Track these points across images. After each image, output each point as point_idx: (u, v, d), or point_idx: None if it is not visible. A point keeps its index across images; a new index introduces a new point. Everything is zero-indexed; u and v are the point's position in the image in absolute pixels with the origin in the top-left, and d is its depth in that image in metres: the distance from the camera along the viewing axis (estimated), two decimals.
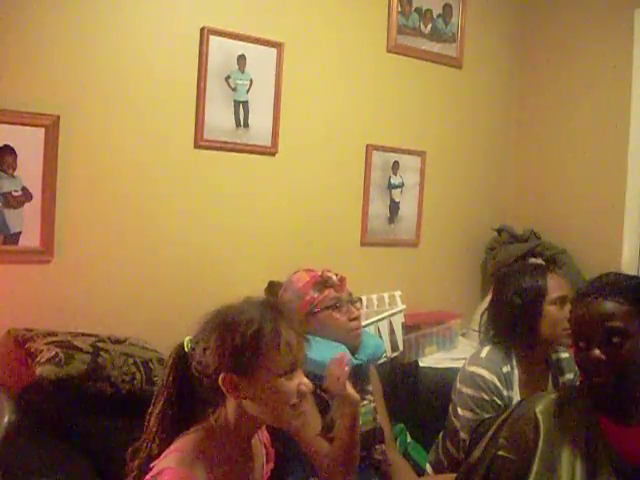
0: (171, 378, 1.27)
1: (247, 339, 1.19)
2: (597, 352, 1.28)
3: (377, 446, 1.91)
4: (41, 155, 2.00)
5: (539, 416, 1.34)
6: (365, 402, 1.92)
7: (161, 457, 1.20)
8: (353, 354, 1.88)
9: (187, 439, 1.22)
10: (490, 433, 1.42)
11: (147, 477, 1.18)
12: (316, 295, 1.88)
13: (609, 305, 1.30)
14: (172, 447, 1.21)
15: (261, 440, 1.40)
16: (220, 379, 1.19)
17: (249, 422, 1.25)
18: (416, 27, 2.84)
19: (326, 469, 1.61)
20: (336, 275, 1.93)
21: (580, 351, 1.33)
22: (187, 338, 1.29)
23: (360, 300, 2.11)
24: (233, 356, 1.19)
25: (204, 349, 1.22)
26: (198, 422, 1.27)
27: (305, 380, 1.25)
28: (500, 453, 1.35)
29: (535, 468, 1.29)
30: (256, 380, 1.20)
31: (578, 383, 1.47)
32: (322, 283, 1.90)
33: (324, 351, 1.72)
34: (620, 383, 1.29)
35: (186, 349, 1.27)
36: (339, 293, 1.91)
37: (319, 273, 1.93)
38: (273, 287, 2.03)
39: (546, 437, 1.31)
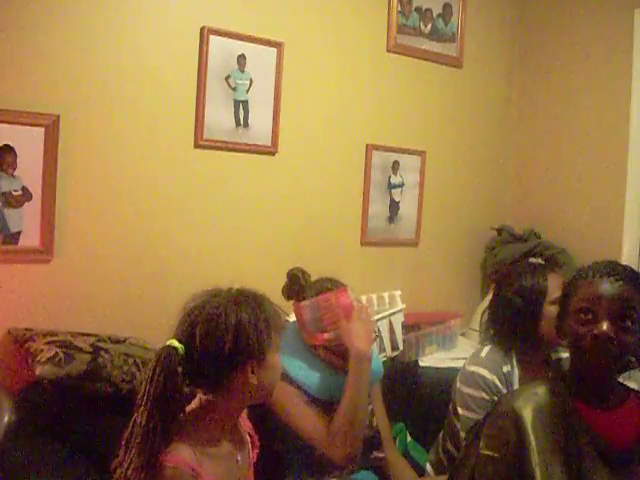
0: (167, 384, 1.24)
1: (267, 324, 1.32)
2: (606, 325, 1.29)
3: (374, 452, 1.92)
4: (41, 155, 2.00)
5: (518, 411, 1.34)
6: None
7: (163, 453, 1.23)
8: None
9: (182, 434, 1.27)
10: (475, 432, 1.44)
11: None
12: (335, 338, 1.79)
13: (627, 289, 1.33)
14: (170, 443, 1.25)
15: (243, 428, 1.45)
16: (247, 369, 1.29)
17: (241, 403, 1.36)
18: (416, 27, 2.84)
19: (329, 440, 1.69)
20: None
21: (582, 324, 1.32)
22: (175, 342, 1.28)
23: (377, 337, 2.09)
24: (262, 343, 1.31)
25: (234, 341, 1.27)
26: (183, 417, 1.31)
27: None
28: (483, 452, 1.36)
29: (536, 460, 1.29)
30: (267, 361, 1.33)
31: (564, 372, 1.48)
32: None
33: (323, 378, 1.78)
34: (616, 364, 1.32)
35: (180, 351, 1.26)
36: None
37: (349, 309, 1.78)
38: (296, 280, 1.85)
39: (534, 433, 1.31)
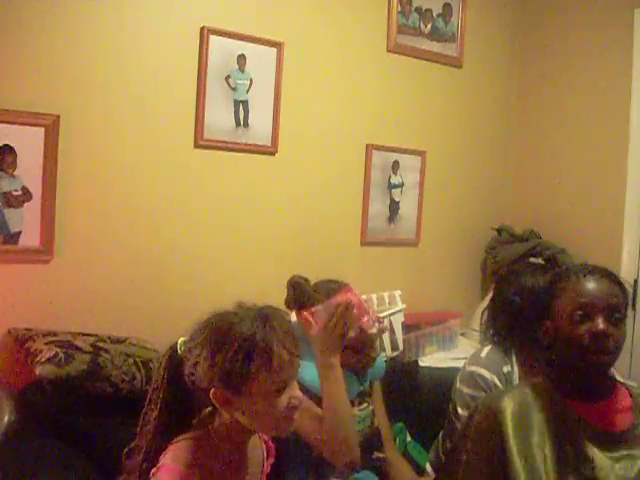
0: (166, 380, 1.28)
1: (237, 362, 1.17)
2: (602, 322, 1.32)
3: (375, 453, 1.92)
4: (41, 155, 2.00)
5: (501, 408, 1.36)
6: (364, 405, 1.92)
7: (161, 457, 1.22)
8: (358, 378, 1.89)
9: (183, 441, 1.24)
10: (462, 430, 1.46)
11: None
12: (351, 337, 1.76)
13: (612, 284, 1.38)
14: (170, 447, 1.23)
15: (260, 435, 1.40)
16: (211, 393, 1.19)
17: (242, 429, 1.26)
18: (416, 27, 2.84)
19: (326, 446, 1.63)
20: (380, 323, 1.82)
21: (578, 324, 1.35)
22: (181, 340, 1.29)
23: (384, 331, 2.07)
24: (223, 375, 1.18)
25: (195, 363, 1.21)
26: (195, 423, 1.28)
27: (296, 393, 1.25)
28: (468, 450, 1.38)
29: (515, 460, 1.31)
30: (246, 397, 1.20)
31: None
32: (364, 335, 1.79)
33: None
34: (613, 359, 1.35)
35: (180, 352, 1.27)
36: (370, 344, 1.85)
37: (361, 309, 1.75)
38: (301, 290, 1.82)
39: (515, 430, 1.33)
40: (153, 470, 1.20)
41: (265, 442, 1.42)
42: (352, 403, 1.87)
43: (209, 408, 1.28)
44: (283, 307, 1.77)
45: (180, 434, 1.26)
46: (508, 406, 1.36)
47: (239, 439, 1.29)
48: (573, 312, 1.36)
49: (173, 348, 1.29)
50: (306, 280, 1.83)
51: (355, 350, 1.80)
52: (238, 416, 1.22)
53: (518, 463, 1.30)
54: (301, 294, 1.79)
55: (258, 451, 1.39)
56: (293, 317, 1.91)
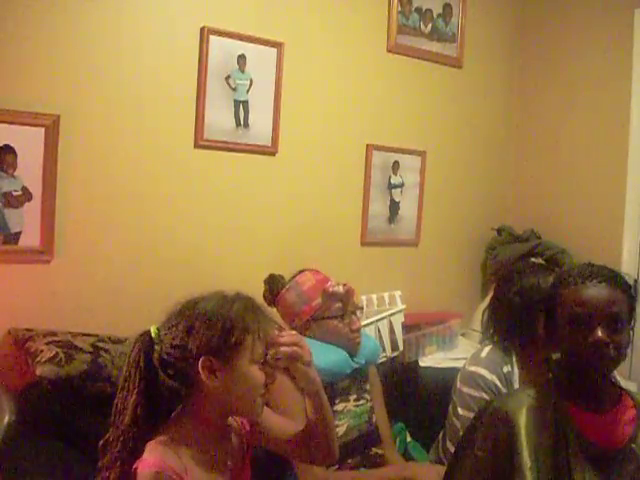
0: (142, 365, 1.28)
1: (235, 323, 1.25)
2: (600, 331, 1.29)
3: (373, 449, 1.92)
4: (41, 155, 2.00)
5: (512, 415, 1.35)
6: (362, 402, 1.93)
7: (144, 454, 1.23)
8: (351, 358, 1.91)
9: (161, 437, 1.25)
10: (468, 433, 1.45)
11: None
12: (322, 303, 1.91)
13: (612, 291, 1.34)
14: (147, 446, 1.23)
15: (239, 426, 1.41)
16: (200, 362, 1.23)
17: (218, 410, 1.30)
18: (416, 27, 2.84)
19: (300, 453, 1.48)
20: (344, 285, 1.94)
21: (575, 333, 1.33)
22: (154, 327, 1.31)
23: (362, 308, 2.15)
24: (219, 338, 1.24)
25: (187, 331, 1.25)
26: (168, 424, 1.28)
27: (274, 372, 1.32)
28: (477, 454, 1.37)
29: (528, 462, 1.30)
30: (234, 365, 1.25)
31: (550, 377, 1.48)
32: (329, 294, 1.91)
33: (324, 357, 1.74)
34: (614, 366, 1.33)
35: (154, 337, 1.28)
36: (345, 305, 1.93)
37: (326, 280, 1.95)
38: (274, 280, 2.01)
39: (526, 433, 1.32)
40: (134, 466, 1.20)
41: (242, 426, 1.42)
42: (347, 398, 1.88)
43: (181, 395, 1.30)
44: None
45: (156, 421, 1.27)
46: (520, 414, 1.34)
47: (215, 422, 1.31)
48: (572, 322, 1.34)
49: (146, 335, 1.30)
50: (281, 276, 2.01)
51: (332, 316, 1.89)
52: (218, 390, 1.25)
53: (527, 467, 1.28)
54: (275, 286, 1.98)
55: (235, 438, 1.39)
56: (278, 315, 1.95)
